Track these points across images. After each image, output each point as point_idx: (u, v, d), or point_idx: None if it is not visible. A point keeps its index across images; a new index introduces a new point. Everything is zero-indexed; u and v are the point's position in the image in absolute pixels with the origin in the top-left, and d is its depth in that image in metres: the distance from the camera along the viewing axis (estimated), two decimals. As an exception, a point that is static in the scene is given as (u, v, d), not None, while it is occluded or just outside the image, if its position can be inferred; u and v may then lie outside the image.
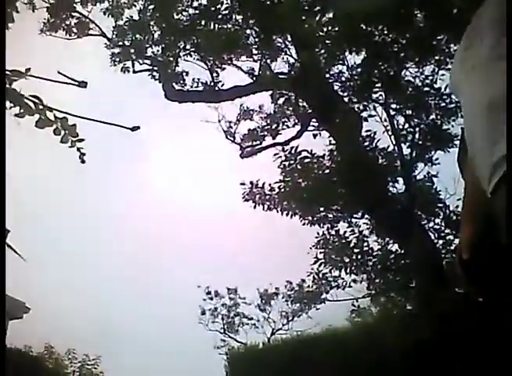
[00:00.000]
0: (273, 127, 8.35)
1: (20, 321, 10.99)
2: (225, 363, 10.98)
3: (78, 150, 1.64)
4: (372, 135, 7.30)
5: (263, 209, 8.34)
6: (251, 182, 8.28)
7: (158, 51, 9.20)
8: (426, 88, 6.43)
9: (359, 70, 7.31)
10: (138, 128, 1.73)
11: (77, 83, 1.64)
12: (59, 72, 1.64)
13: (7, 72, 1.56)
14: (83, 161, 1.66)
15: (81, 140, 1.64)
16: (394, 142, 7.39)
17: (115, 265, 15.49)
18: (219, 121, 9.07)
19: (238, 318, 15.45)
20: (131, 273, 15.60)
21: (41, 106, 1.62)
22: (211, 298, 15.35)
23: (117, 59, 9.45)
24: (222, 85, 8.59)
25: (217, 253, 15.59)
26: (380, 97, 7.23)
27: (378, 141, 7.39)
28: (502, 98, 1.08)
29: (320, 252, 8.79)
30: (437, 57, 6.02)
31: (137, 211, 16.20)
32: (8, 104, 1.58)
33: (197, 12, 8.22)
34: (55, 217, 14.56)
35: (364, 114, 7.39)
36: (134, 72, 9.55)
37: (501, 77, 1.14)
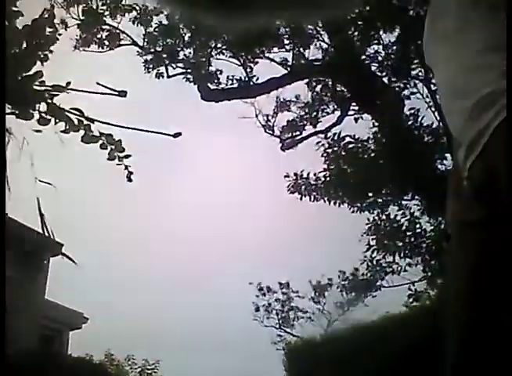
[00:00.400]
0: (312, 115, 8.26)
1: (80, 331, 11.27)
2: (284, 358, 10.96)
3: (126, 168, 1.62)
4: (415, 112, 7.14)
5: (310, 200, 8.27)
6: (295, 174, 8.22)
7: (190, 53, 9.24)
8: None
9: (395, 47, 7.14)
10: (180, 134, 1.71)
11: (117, 93, 1.63)
12: (98, 83, 1.63)
13: (47, 87, 1.55)
14: (130, 180, 1.65)
15: (128, 156, 1.63)
16: (438, 118, 7.20)
17: (167, 268, 15.71)
18: (256, 116, 9.05)
19: (292, 312, 15.41)
20: (183, 276, 15.78)
21: (85, 121, 1.62)
22: (264, 294, 15.35)
23: (151, 66, 9.55)
24: (257, 80, 8.55)
25: (266, 247, 15.60)
26: (420, 73, 7.06)
27: (422, 118, 7.21)
28: (474, 67, 1.05)
29: (372, 238, 8.66)
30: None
31: (186, 212, 16.37)
32: (51, 120, 1.57)
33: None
34: (105, 230, 14.87)
35: (405, 92, 7.23)
36: (168, 77, 9.63)
37: (469, 46, 1.11)
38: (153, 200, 16.10)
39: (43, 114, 1.50)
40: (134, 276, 15.35)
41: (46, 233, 1.51)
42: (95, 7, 9.66)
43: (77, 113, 1.59)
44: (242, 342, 14.28)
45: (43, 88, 1.51)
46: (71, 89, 1.58)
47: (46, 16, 1.75)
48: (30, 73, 1.48)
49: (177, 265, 15.78)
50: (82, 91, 1.63)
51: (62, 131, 1.59)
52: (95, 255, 13.42)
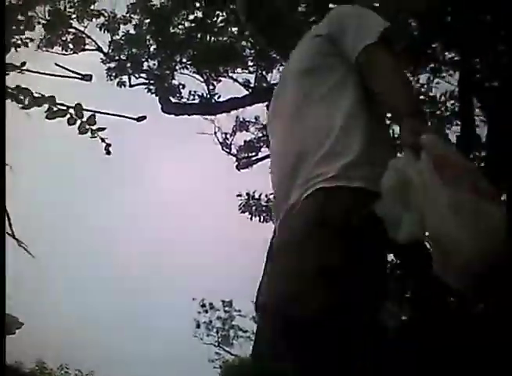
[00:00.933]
0: (269, 138, 8.42)
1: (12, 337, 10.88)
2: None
3: (103, 140, 1.54)
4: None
5: (259, 220, 8.39)
6: (247, 194, 8.33)
7: (154, 65, 9.27)
8: (421, 97, 6.51)
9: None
10: (145, 117, 1.64)
11: (80, 76, 1.57)
12: (56, 64, 1.54)
13: None
14: (108, 152, 1.56)
15: (102, 129, 1.53)
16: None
17: (109, 281, 15.42)
18: (215, 133, 9.15)
19: (233, 331, 15.39)
20: (124, 287, 15.52)
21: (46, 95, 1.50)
22: (206, 311, 15.29)
23: (114, 74, 9.51)
24: (219, 97, 8.68)
25: (212, 265, 15.57)
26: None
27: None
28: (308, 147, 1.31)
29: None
30: (432, 65, 6.11)
31: (134, 222, 16.18)
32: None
33: (193, 25, 8.32)
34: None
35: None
36: (130, 86, 9.61)
37: (304, 125, 1.40)
38: (104, 209, 15.87)
39: None
40: (74, 281, 14.99)
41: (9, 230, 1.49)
42: (62, 8, 9.57)
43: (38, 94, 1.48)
44: (180, 357, 14.10)
45: None
46: (27, 70, 1.47)
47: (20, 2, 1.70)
48: None
49: (121, 275, 15.53)
50: (42, 73, 1.53)
51: (23, 108, 1.49)
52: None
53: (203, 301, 15.12)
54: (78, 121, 1.50)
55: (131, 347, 14.59)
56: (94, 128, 1.51)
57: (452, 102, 6.57)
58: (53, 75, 1.52)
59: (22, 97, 1.48)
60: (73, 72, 1.55)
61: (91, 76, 1.58)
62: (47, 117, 1.49)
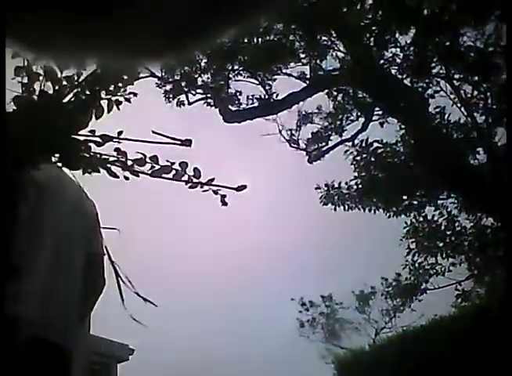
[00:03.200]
0: (337, 125, 8.23)
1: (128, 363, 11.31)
2: (334, 371, 10.79)
3: (216, 192, 1.52)
4: (441, 110, 7.05)
5: (344, 209, 8.21)
6: (327, 185, 8.18)
7: (208, 78, 9.34)
8: (491, 48, 6.12)
9: (412, 48, 7.09)
10: (191, 141, 1.57)
11: (180, 142, 1.52)
12: (153, 131, 1.52)
13: (97, 137, 1.45)
14: (225, 203, 1.55)
15: (212, 179, 1.52)
16: (465, 113, 7.08)
17: (208, 291, 15.70)
18: (280, 132, 9.06)
19: (338, 324, 15.21)
20: (223, 299, 15.76)
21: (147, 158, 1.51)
22: (307, 309, 15.21)
23: (171, 95, 9.68)
24: (277, 96, 8.59)
25: (305, 261, 15.49)
26: (441, 70, 6.98)
27: (449, 115, 7.11)
28: None
29: (412, 242, 8.53)
30: (498, 12, 5.72)
31: (221, 228, 16.40)
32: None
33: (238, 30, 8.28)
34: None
35: (429, 92, 7.15)
36: (189, 104, 9.74)
37: None
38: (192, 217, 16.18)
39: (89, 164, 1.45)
40: (178, 303, 15.39)
41: (121, 282, 1.51)
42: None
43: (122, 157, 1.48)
44: (290, 358, 14.12)
45: (92, 138, 1.44)
46: (124, 139, 1.46)
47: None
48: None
49: (216, 286, 15.78)
50: (139, 140, 1.52)
51: (123, 169, 1.49)
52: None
53: (302, 299, 15.08)
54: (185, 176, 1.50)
55: (241, 352, 14.77)
56: (203, 181, 1.51)
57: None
58: (151, 142, 1.51)
59: (122, 159, 1.48)
60: (171, 138, 1.52)
61: (190, 141, 1.54)
62: (151, 175, 1.48)
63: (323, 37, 7.56)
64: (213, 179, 1.51)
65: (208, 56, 8.84)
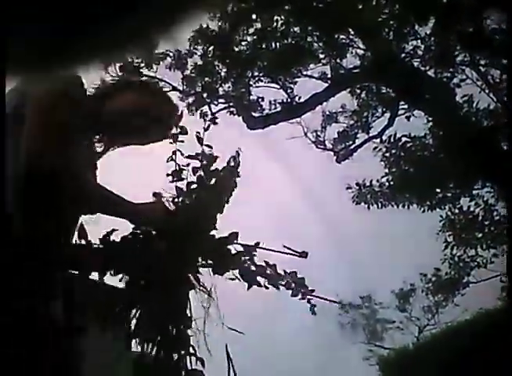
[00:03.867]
0: (363, 122, 8.15)
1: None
2: (379, 372, 10.63)
3: (309, 301, 1.61)
4: (469, 99, 6.91)
5: (378, 207, 8.09)
6: (358, 184, 8.08)
7: (229, 87, 9.37)
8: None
9: (433, 39, 6.98)
10: (307, 254, 1.71)
11: (298, 254, 1.62)
12: (284, 246, 1.62)
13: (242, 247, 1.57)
14: (314, 313, 1.62)
15: (313, 290, 1.61)
16: (495, 99, 6.92)
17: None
18: (305, 134, 9.01)
19: (379, 324, 14.97)
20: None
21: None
22: (347, 311, 15.02)
23: (194, 108, 9.75)
24: (299, 98, 8.55)
25: (341, 262, 15.35)
26: (465, 58, 6.85)
27: (478, 103, 6.97)
28: None
29: (449, 235, 8.36)
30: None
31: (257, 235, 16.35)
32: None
33: (255, 37, 8.31)
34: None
35: (455, 81, 7.02)
36: (212, 114, 9.78)
37: None
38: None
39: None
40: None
41: None
42: (130, 60, 10.00)
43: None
44: (335, 360, 13.95)
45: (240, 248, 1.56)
46: (260, 247, 1.58)
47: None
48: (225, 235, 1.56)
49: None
50: (270, 250, 1.61)
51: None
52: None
53: (340, 301, 14.90)
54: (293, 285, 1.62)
55: (286, 362, 14.68)
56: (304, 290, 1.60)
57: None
58: (278, 252, 1.67)
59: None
60: (291, 250, 1.67)
61: (307, 253, 1.66)
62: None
63: (341, 36, 7.51)
64: (313, 290, 1.62)
65: (227, 65, 8.88)
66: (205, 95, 9.61)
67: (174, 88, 10.23)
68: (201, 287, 1.52)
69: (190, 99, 9.84)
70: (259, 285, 1.56)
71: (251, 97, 9.22)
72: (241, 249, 1.57)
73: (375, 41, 7.05)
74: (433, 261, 9.80)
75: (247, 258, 1.56)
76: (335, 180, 9.29)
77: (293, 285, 1.60)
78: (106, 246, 1.50)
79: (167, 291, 1.49)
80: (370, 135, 8.12)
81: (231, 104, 9.54)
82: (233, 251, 1.56)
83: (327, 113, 8.67)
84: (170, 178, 1.63)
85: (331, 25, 7.08)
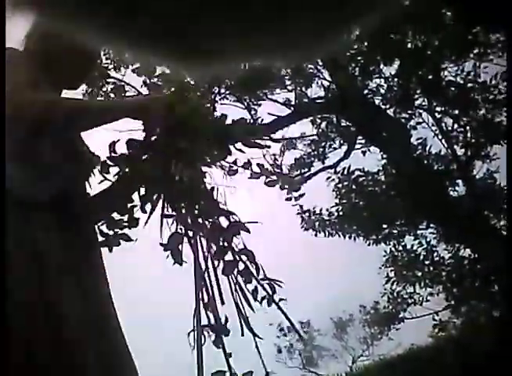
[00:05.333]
0: (319, 151, 8.31)
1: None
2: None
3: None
4: (423, 142, 7.17)
5: (324, 235, 8.23)
6: (308, 211, 8.20)
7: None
8: (470, 84, 6.28)
9: (396, 80, 7.23)
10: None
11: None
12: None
13: None
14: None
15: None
16: (446, 145, 7.21)
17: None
18: (264, 156, 9.09)
19: (316, 351, 15.12)
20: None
21: None
22: (285, 335, 15.09)
23: (157, 115, 9.69)
24: (262, 121, 8.65)
25: (284, 287, 15.40)
26: (423, 102, 7.13)
27: (430, 147, 7.23)
28: None
29: (391, 270, 8.55)
30: (476, 50, 5.89)
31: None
32: None
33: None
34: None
35: (411, 123, 7.28)
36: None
37: None
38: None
39: None
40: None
41: None
42: (99, 61, 9.88)
43: None
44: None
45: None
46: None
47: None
48: None
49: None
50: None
51: None
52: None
53: (280, 325, 14.96)
54: None
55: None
56: None
57: (505, 84, 6.30)
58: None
59: None
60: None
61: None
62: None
63: (309, 66, 7.67)
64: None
65: (195, 78, 8.90)
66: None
67: (139, 94, 10.16)
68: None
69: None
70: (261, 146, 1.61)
71: (215, 113, 9.25)
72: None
73: (341, 75, 7.23)
74: (373, 294, 10.01)
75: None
76: (287, 205, 9.41)
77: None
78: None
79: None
80: (325, 165, 8.29)
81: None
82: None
83: (287, 138, 8.81)
84: None
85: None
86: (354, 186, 7.69)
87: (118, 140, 1.52)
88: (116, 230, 1.54)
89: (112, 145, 1.51)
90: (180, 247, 1.43)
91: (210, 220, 1.50)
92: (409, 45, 6.42)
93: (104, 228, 1.56)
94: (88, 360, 1.19)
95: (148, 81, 9.88)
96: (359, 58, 7.06)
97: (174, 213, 1.47)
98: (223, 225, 1.51)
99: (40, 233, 1.29)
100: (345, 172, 7.71)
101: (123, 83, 10.22)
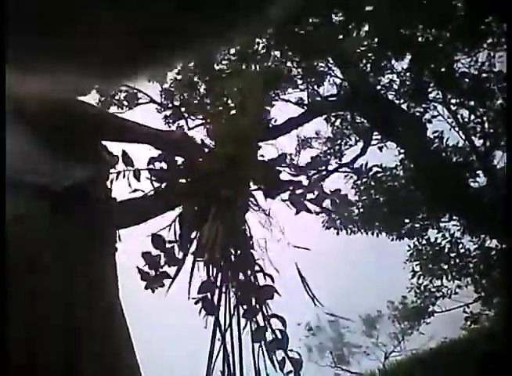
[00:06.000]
0: (336, 149, 8.23)
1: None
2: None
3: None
4: (439, 135, 7.04)
5: (347, 233, 8.16)
6: (328, 209, 8.12)
7: (207, 104, 9.38)
8: (484, 75, 6.14)
9: (409, 74, 7.11)
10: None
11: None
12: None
13: None
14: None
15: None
16: (463, 137, 7.07)
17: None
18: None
19: (346, 348, 15.01)
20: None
21: None
22: (314, 334, 15.02)
23: (171, 121, 9.74)
24: (275, 121, 8.60)
25: (311, 286, 15.34)
26: (438, 95, 6.99)
27: (447, 140, 7.10)
28: None
29: (416, 264, 8.46)
30: (489, 40, 5.74)
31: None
32: None
33: (236, 57, 8.37)
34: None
35: (426, 116, 7.16)
36: (189, 129, 9.77)
37: None
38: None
39: None
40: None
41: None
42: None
43: None
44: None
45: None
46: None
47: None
48: None
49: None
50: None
51: None
52: None
53: (308, 324, 14.90)
54: None
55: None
56: None
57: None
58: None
59: None
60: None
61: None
62: None
63: (320, 64, 7.60)
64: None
65: (206, 82, 8.90)
66: (183, 109, 9.62)
67: (152, 101, 10.22)
68: (258, 207, 1.48)
69: (168, 112, 9.83)
70: (308, 210, 1.54)
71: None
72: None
73: (352, 72, 7.14)
74: (400, 289, 9.90)
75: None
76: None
77: (337, 201, 1.57)
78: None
79: (224, 214, 1.43)
80: (342, 162, 8.21)
81: (208, 121, 9.54)
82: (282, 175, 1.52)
83: (302, 137, 8.75)
84: None
85: (311, 52, 7.17)
86: (372, 183, 7.60)
87: (159, 156, 1.53)
88: (157, 269, 1.48)
89: (151, 160, 1.53)
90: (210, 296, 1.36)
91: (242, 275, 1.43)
92: (420, 39, 6.30)
93: (146, 268, 1.50)
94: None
95: (161, 88, 9.94)
96: (370, 54, 6.96)
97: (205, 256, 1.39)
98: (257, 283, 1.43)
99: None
100: (363, 169, 7.62)
101: (135, 90, 10.29)
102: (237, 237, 1.46)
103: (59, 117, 1.34)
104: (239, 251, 1.45)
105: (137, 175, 1.54)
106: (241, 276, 1.44)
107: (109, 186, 1.53)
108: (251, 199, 1.52)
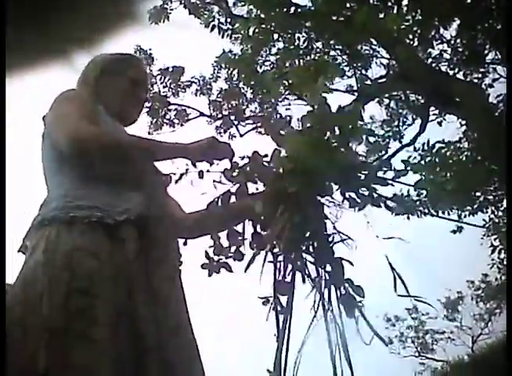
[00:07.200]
0: (394, 131, 8.04)
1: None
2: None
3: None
4: (504, 97, 6.73)
5: (417, 217, 7.91)
6: (395, 195, 7.92)
7: (256, 108, 9.41)
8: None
9: (459, 40, 6.86)
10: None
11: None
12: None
13: None
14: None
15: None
16: (530, 97, 6.72)
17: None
18: (337, 147, 8.93)
19: (429, 336, 14.53)
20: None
21: None
22: (393, 325, 14.65)
23: (222, 131, 9.82)
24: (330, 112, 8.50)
25: (383, 275, 15.02)
26: (496, 56, 6.69)
27: (513, 101, 6.77)
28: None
29: (494, 239, 8.10)
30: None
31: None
32: None
33: (278, 57, 8.34)
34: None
35: (486, 81, 6.87)
36: (241, 136, 9.82)
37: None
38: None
39: None
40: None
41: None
42: (157, 90, 10.15)
43: None
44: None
45: None
46: None
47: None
48: None
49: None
50: None
51: None
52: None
53: (386, 315, 14.56)
54: None
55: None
56: None
57: None
58: None
59: None
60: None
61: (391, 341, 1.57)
62: None
63: (364, 47, 7.46)
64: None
65: (252, 87, 8.92)
66: (232, 117, 9.68)
67: (202, 114, 10.33)
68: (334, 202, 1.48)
69: (218, 123, 9.92)
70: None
71: (279, 116, 9.23)
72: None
73: (399, 49, 6.96)
74: (480, 267, 9.52)
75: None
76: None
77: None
78: None
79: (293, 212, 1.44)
80: (403, 143, 8.00)
81: (259, 125, 9.56)
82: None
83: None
84: None
85: (353, 37, 7.04)
86: (437, 160, 7.34)
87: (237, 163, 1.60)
88: (221, 257, 1.59)
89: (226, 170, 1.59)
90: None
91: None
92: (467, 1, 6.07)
93: (210, 251, 1.60)
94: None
95: (208, 101, 10.04)
96: (415, 28, 6.77)
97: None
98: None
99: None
100: (425, 147, 7.38)
101: (184, 107, 10.43)
102: (312, 232, 1.46)
103: (111, 153, 1.44)
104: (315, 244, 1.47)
105: (201, 176, 1.62)
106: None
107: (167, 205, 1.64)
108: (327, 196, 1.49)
